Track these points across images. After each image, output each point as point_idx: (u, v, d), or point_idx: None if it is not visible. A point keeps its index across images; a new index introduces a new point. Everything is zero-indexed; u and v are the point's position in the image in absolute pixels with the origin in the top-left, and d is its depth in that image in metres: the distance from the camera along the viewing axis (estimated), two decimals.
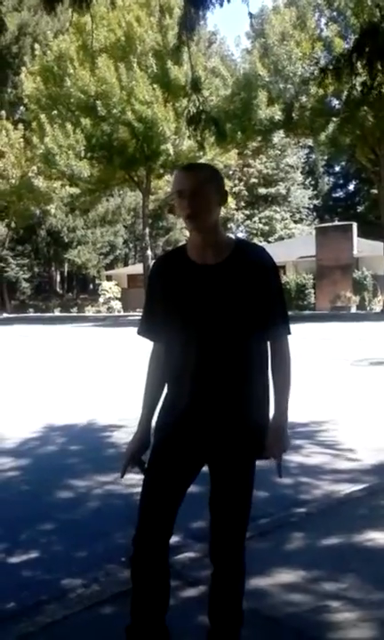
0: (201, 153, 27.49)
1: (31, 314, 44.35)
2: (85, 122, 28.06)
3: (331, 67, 6.72)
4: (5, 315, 42.02)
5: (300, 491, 4.64)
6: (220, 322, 2.20)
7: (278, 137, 31.77)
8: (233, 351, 2.21)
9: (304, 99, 27.70)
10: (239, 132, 27.99)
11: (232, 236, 2.41)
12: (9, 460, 5.73)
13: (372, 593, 2.95)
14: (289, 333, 2.32)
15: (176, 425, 2.26)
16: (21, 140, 35.13)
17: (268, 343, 2.29)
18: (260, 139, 30.34)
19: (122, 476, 2.44)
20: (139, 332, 2.45)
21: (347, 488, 4.59)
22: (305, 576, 3.14)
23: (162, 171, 31.15)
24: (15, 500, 4.70)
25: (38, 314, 44.00)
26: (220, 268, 2.23)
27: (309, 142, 38.34)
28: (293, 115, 28.01)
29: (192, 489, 2.36)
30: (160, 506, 2.29)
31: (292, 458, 5.48)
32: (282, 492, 4.57)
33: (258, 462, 2.32)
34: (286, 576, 3.13)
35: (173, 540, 2.38)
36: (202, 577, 2.51)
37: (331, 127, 27.60)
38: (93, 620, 2.79)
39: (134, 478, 4.34)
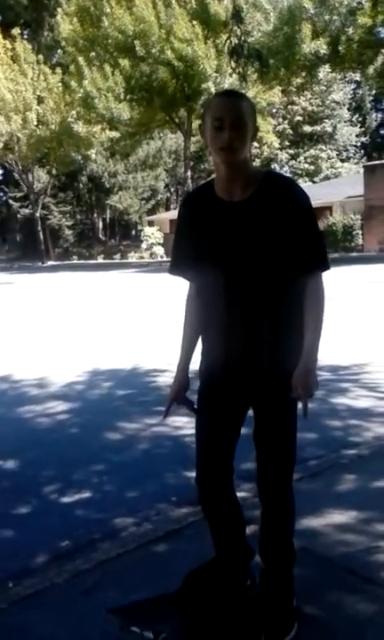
0: (243, 90, 26.61)
1: (75, 261, 44.67)
2: (124, 63, 27.44)
3: None
4: (50, 262, 42.42)
5: (350, 433, 4.59)
6: (246, 261, 2.10)
7: (324, 72, 30.49)
8: (262, 292, 2.11)
9: (351, 30, 26.34)
10: (282, 68, 26.95)
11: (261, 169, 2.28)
12: (59, 404, 5.83)
13: None
14: (327, 269, 2.17)
15: (215, 370, 2.24)
16: (60, 84, 34.67)
17: (301, 282, 2.15)
18: (304, 74, 29.16)
19: (164, 417, 2.49)
20: (170, 271, 2.39)
21: None
22: (357, 517, 3.11)
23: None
24: (66, 441, 4.78)
25: (82, 261, 44.29)
26: (246, 204, 2.11)
27: (356, 77, 36.85)
28: (340, 48, 26.69)
29: (241, 431, 2.34)
30: (215, 445, 2.30)
31: (340, 400, 5.44)
32: (331, 434, 4.54)
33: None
34: (338, 517, 3.11)
35: None
36: (253, 516, 2.51)
37: (380, 59, 26.30)
38: (147, 557, 2.83)
39: (181, 420, 4.38)
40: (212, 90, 27.11)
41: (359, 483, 3.58)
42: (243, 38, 5.76)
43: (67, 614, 2.46)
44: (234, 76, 25.97)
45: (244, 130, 2.05)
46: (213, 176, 2.26)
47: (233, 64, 6.14)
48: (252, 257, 2.10)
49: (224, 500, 2.36)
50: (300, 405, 2.20)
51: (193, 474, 3.51)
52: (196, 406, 2.36)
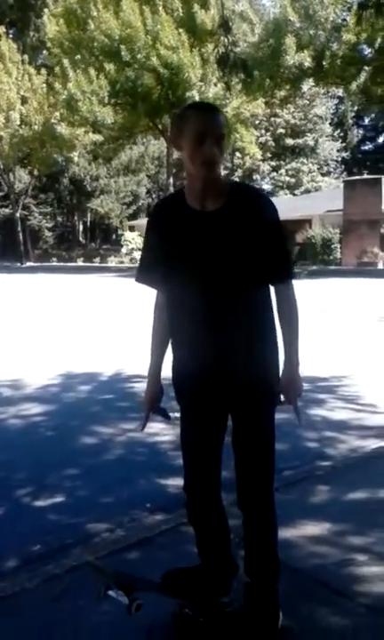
0: (227, 100, 26.77)
1: (54, 263, 44.43)
2: (109, 67, 27.44)
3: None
4: (29, 263, 42.12)
5: (325, 444, 4.61)
6: (220, 269, 2.13)
7: (307, 86, 30.76)
8: (236, 300, 2.14)
9: (335, 46, 26.69)
10: (267, 79, 27.17)
11: (228, 178, 2.31)
12: (34, 406, 5.78)
13: None
14: (292, 278, 2.24)
15: (190, 380, 2.25)
16: (44, 85, 34.59)
17: (273, 290, 2.22)
18: (288, 87, 29.43)
19: (142, 429, 2.54)
20: (137, 279, 2.40)
21: (373, 443, 4.54)
22: (331, 529, 3.12)
23: None
24: (41, 444, 4.74)
25: (61, 263, 44.06)
26: (219, 214, 2.13)
27: (339, 92, 37.20)
28: (324, 63, 27.02)
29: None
30: (201, 453, 2.32)
31: (316, 412, 5.46)
32: (306, 445, 4.55)
33: (278, 415, 2.28)
34: (312, 528, 3.11)
35: None
36: (233, 526, 2.48)
37: (362, 76, 26.60)
38: (119, 564, 2.79)
39: (157, 427, 4.35)
40: (197, 98, 27.21)
41: (333, 494, 3.59)
42: (229, 48, 5.80)
43: (36, 620, 2.42)
44: (218, 85, 26.16)
45: (224, 144, 2.12)
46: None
47: (219, 73, 6.19)
48: (226, 266, 2.12)
49: (212, 507, 2.36)
50: (290, 413, 2.21)
51: (167, 481, 3.50)
52: (171, 414, 2.37)
